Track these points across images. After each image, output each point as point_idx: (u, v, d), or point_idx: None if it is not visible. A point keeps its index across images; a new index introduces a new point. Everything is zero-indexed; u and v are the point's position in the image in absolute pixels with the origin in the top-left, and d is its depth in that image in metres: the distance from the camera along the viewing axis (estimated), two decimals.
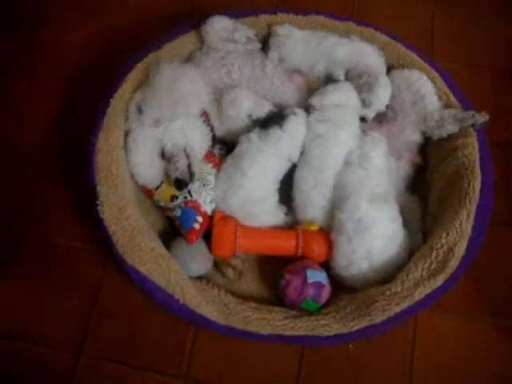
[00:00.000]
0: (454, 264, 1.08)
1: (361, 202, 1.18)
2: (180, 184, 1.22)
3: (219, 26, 1.32)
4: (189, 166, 1.23)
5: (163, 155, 1.24)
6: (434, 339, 1.24)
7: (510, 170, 1.43)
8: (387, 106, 1.30)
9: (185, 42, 1.36)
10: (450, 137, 1.25)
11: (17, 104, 1.57)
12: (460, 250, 1.09)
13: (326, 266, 1.23)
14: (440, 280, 1.08)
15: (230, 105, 1.25)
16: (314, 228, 1.25)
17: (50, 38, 1.65)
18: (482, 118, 1.19)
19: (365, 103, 1.27)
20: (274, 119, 1.25)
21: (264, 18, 1.38)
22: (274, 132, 1.24)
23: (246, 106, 1.25)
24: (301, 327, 1.13)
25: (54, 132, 1.50)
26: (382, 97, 1.26)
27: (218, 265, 1.27)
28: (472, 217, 1.12)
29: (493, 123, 1.27)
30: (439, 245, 1.10)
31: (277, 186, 1.29)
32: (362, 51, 1.31)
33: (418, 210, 1.28)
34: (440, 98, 1.28)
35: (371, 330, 1.10)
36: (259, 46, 1.37)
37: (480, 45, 1.62)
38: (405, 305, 1.07)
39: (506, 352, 1.23)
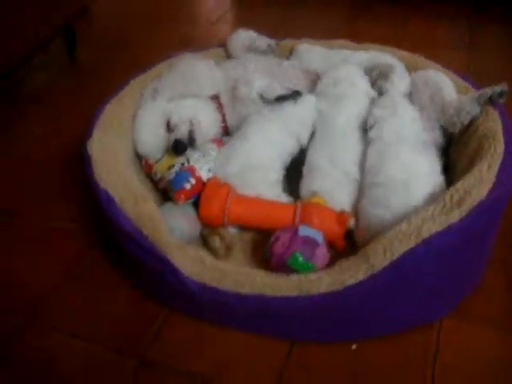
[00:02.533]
0: (470, 203, 0.89)
1: (402, 148, 1.09)
2: (178, 146, 1.18)
3: (244, 35, 1.40)
4: (190, 132, 1.20)
5: (169, 127, 1.22)
6: (459, 351, 0.97)
7: None
8: None
9: (211, 53, 1.44)
10: (471, 125, 1.15)
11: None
12: (478, 193, 0.91)
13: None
14: (454, 217, 0.88)
15: (243, 83, 1.26)
16: (318, 200, 1.11)
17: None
18: (499, 87, 1.10)
19: (381, 91, 1.23)
20: (291, 96, 1.24)
21: (288, 42, 1.47)
22: (287, 106, 1.23)
23: (258, 84, 1.26)
24: (284, 285, 0.92)
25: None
26: (398, 83, 1.23)
27: (205, 237, 1.13)
28: (494, 169, 0.96)
29: None
30: (454, 190, 0.93)
31: (281, 163, 1.21)
32: (378, 56, 1.33)
33: None
34: (459, 91, 1.21)
35: (371, 284, 0.88)
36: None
37: None
38: (410, 243, 0.87)
39: None
